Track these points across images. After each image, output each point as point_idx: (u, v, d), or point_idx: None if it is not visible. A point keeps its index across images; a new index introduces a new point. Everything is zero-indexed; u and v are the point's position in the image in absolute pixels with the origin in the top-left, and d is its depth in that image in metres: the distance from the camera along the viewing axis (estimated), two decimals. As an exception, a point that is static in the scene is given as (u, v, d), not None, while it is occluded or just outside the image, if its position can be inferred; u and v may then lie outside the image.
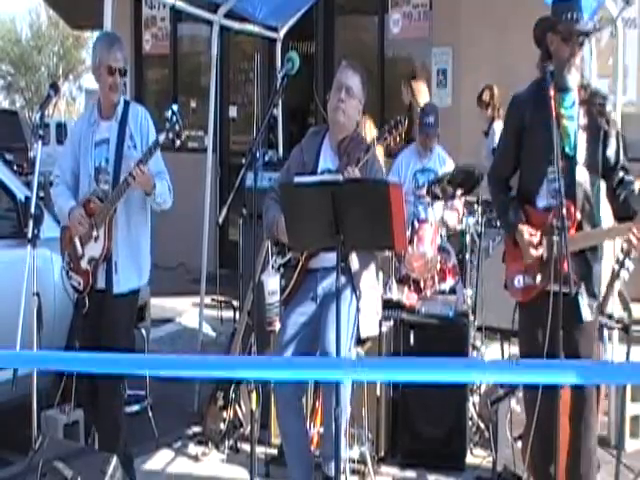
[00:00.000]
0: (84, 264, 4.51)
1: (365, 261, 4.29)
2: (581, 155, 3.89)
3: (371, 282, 4.35)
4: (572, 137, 3.89)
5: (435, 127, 6.37)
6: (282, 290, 4.40)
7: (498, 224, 5.45)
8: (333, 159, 4.38)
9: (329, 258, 4.11)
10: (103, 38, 4.65)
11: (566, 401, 3.93)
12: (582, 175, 3.89)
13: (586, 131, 3.91)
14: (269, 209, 4.37)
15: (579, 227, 3.88)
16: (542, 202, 3.93)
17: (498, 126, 7.65)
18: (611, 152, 3.93)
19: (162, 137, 4.27)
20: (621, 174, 3.95)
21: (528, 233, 3.89)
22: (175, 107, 4.28)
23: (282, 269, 4.41)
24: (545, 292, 3.83)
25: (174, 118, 4.25)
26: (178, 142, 4.28)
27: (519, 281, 3.98)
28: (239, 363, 3.14)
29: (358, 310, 4.23)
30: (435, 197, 5.76)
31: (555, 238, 3.73)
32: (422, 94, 8.09)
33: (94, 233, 4.44)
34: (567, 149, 3.86)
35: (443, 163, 6.42)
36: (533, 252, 3.88)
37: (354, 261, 4.23)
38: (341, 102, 4.32)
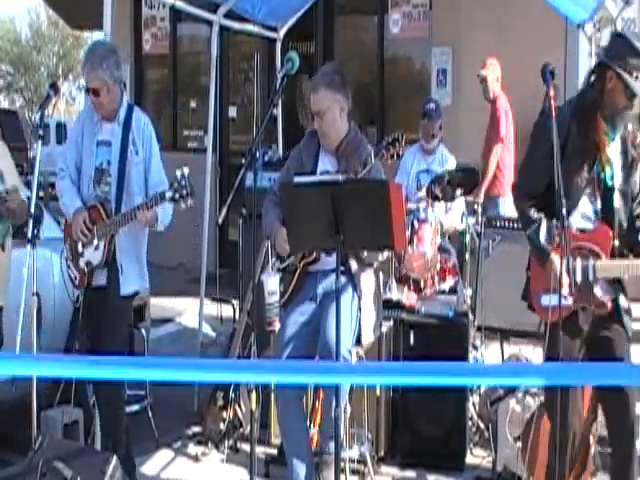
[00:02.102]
0: (82, 263, 4.52)
1: (368, 274, 4.30)
2: (617, 181, 3.86)
3: (373, 289, 4.35)
4: (612, 167, 3.85)
5: (436, 113, 6.34)
6: (282, 294, 4.39)
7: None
8: (332, 161, 4.37)
9: (328, 262, 4.11)
10: (87, 52, 4.57)
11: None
12: (618, 201, 3.86)
13: (620, 157, 3.88)
14: (268, 212, 4.37)
15: (620, 254, 3.83)
16: (576, 224, 3.86)
17: None
18: (636, 180, 3.90)
19: (169, 194, 4.20)
20: None
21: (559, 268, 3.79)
22: (186, 170, 4.18)
23: (281, 273, 4.41)
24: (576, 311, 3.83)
25: (183, 182, 4.17)
26: (183, 205, 4.21)
27: (546, 300, 3.88)
28: (237, 367, 3.13)
29: (360, 309, 4.23)
30: (435, 198, 5.75)
31: (591, 262, 3.74)
32: None
33: (95, 241, 4.45)
34: (607, 178, 3.82)
35: (446, 162, 6.41)
36: (564, 281, 3.77)
37: (354, 263, 4.23)
38: (318, 128, 4.31)
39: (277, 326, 4.66)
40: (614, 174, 3.86)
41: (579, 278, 3.81)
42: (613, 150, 3.87)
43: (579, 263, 3.82)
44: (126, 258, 4.50)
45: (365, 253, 4.23)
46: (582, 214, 3.87)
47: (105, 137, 4.50)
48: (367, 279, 4.30)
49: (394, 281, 5.47)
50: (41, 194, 7.47)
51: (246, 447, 5.09)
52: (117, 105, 4.49)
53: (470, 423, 5.14)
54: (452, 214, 6.08)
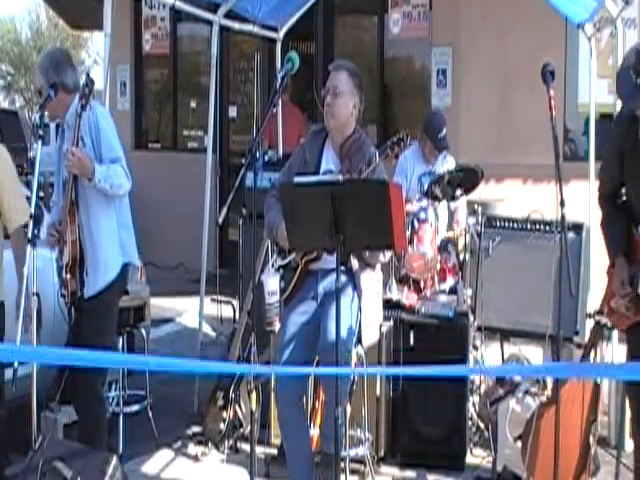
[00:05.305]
0: (63, 273, 4.46)
1: (368, 273, 4.29)
2: None
3: (374, 288, 4.35)
4: None
5: (447, 138, 6.28)
6: (282, 291, 4.39)
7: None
8: (335, 160, 4.37)
9: (329, 260, 4.11)
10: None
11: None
12: None
13: None
14: (270, 208, 4.36)
15: None
16: None
17: None
18: None
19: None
20: None
21: (621, 281, 3.72)
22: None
23: (282, 270, 4.40)
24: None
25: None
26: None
27: (615, 302, 3.83)
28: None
29: (360, 309, 4.23)
30: (435, 198, 5.75)
31: None
32: None
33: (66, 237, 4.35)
34: None
35: (446, 162, 6.39)
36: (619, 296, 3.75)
37: (355, 263, 4.23)
38: (328, 106, 4.31)
39: (277, 326, 4.66)
40: None
41: None
42: None
43: None
44: (89, 255, 4.39)
45: (367, 253, 4.23)
46: None
47: (65, 146, 4.40)
48: (368, 279, 4.30)
49: (394, 281, 5.47)
50: (41, 194, 7.48)
51: (246, 447, 5.09)
52: (62, 112, 4.45)
53: (470, 423, 5.14)
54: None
